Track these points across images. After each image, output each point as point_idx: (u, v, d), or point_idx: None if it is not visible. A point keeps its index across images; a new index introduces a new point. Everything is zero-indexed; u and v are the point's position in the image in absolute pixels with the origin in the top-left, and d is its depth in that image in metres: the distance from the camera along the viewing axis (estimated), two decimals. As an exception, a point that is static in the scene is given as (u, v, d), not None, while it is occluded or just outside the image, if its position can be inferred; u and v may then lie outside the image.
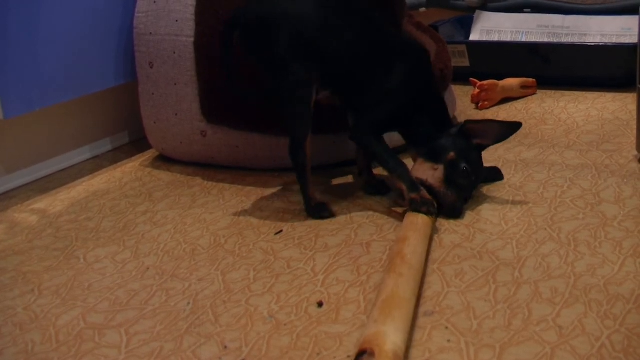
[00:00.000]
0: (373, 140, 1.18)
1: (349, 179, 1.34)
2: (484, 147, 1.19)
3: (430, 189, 1.13)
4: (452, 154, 1.14)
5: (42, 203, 1.33)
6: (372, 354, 0.74)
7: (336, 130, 1.31)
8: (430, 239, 1.06)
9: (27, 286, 1.02)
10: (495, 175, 1.28)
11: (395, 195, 1.22)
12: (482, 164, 1.19)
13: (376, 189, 1.26)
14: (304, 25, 1.16)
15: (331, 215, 1.18)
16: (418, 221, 1.06)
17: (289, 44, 1.15)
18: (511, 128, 1.20)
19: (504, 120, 1.56)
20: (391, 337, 0.77)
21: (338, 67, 1.18)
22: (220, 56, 1.22)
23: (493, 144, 1.20)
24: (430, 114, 1.19)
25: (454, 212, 1.14)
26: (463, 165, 1.14)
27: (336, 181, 1.25)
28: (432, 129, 1.17)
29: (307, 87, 1.16)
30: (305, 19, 1.17)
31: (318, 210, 1.19)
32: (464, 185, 1.15)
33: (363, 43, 1.19)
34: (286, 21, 1.16)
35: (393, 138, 1.27)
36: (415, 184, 1.13)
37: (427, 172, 1.15)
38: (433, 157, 1.15)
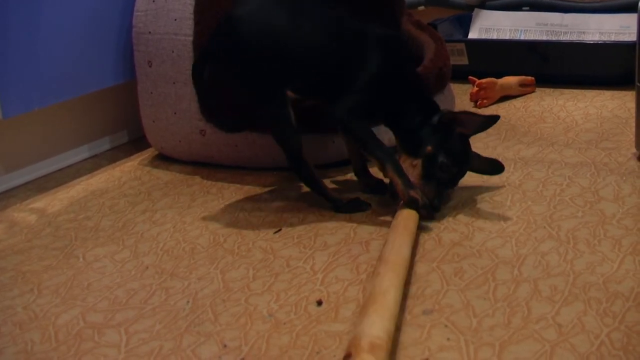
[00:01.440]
0: (358, 124, 1.15)
1: (348, 178, 1.34)
2: (468, 136, 1.17)
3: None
4: (429, 147, 1.13)
5: (41, 202, 1.33)
6: (349, 355, 0.74)
7: (335, 130, 1.31)
8: (418, 232, 1.05)
9: (26, 285, 1.02)
10: (494, 168, 1.23)
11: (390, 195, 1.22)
12: (468, 151, 1.17)
13: (374, 189, 1.26)
14: (275, 41, 1.15)
15: (368, 206, 1.18)
16: (399, 222, 1.05)
17: (262, 63, 1.14)
18: (489, 120, 1.16)
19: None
20: (365, 331, 0.76)
21: (311, 69, 1.17)
22: (196, 92, 1.22)
23: (473, 133, 1.17)
24: (411, 104, 1.17)
25: (432, 209, 1.12)
26: (441, 159, 1.13)
27: (335, 180, 1.25)
28: (414, 120, 1.15)
29: (284, 102, 1.15)
30: (276, 32, 1.15)
31: (356, 206, 1.18)
32: (443, 179, 1.14)
33: (333, 41, 1.17)
34: (256, 40, 1.15)
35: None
36: (410, 181, 1.10)
37: (407, 170, 1.12)
38: (413, 151, 1.14)
